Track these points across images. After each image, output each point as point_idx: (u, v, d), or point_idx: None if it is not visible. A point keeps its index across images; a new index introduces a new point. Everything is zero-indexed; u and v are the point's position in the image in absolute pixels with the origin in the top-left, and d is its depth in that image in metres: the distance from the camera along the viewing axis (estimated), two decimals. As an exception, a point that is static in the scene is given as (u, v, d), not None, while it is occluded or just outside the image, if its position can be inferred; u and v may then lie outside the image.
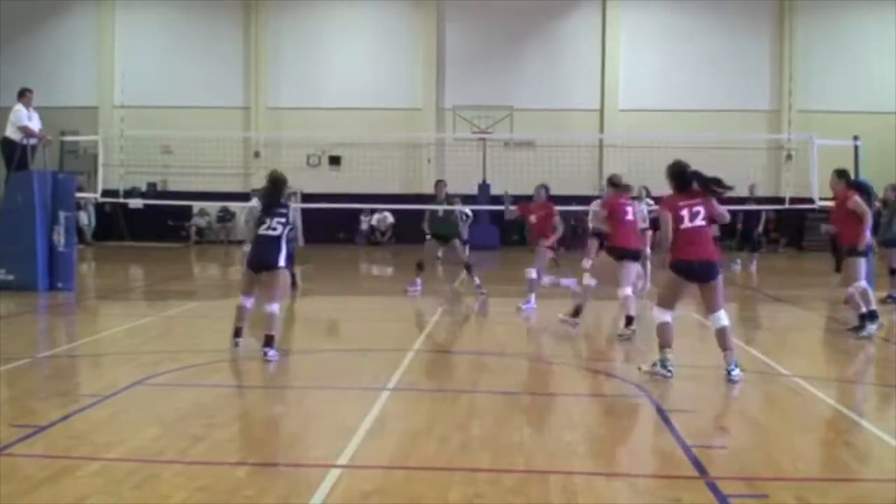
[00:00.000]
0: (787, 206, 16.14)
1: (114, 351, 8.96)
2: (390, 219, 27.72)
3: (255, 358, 8.21)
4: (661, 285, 8.46)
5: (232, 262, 20.88)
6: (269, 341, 8.21)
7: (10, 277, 13.56)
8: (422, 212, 14.47)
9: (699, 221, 7.41)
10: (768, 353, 9.15)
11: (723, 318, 7.49)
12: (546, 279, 12.12)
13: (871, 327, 10.00)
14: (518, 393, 7.25)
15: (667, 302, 7.63)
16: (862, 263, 10.14)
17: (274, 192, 8.72)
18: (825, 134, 15.39)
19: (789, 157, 26.84)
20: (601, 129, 27.90)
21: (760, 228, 20.49)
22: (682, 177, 7.57)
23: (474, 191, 25.20)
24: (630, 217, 10.39)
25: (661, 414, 6.24)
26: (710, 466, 5.02)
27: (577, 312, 10.35)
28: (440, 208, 13.82)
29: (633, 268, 10.46)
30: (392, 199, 24.05)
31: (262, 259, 8.52)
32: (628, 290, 10.07)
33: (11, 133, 14.22)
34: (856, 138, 13.69)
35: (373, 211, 27.57)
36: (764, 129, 27.43)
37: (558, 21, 28.90)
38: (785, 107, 28.11)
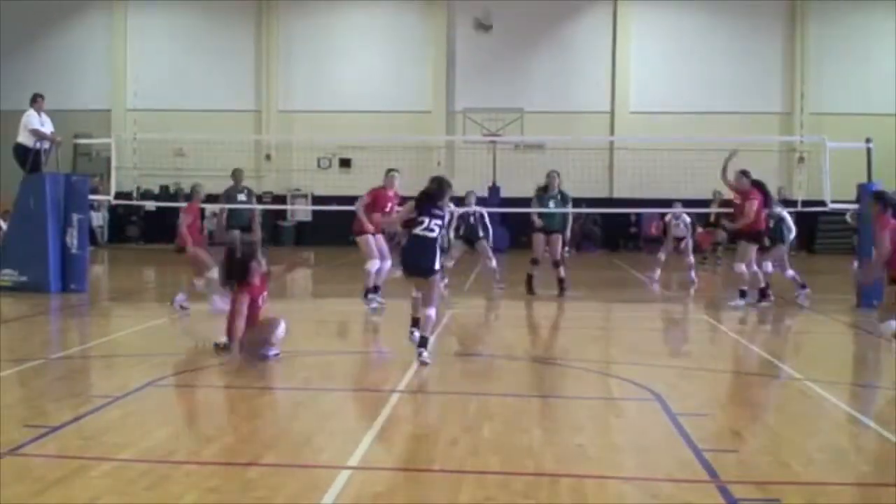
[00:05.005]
0: (799, 208, 16.05)
1: (126, 352, 8.99)
2: (401, 221, 27.73)
3: (267, 360, 8.23)
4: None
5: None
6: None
7: (24, 279, 13.65)
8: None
9: None
10: (779, 356, 9.11)
11: None
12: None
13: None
14: (528, 396, 7.25)
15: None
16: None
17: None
18: (837, 136, 15.33)
19: (801, 159, 26.75)
20: (612, 132, 27.87)
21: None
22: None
23: (484, 193, 25.20)
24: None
25: (673, 417, 6.22)
26: (721, 470, 5.01)
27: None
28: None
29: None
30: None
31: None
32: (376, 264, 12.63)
33: (24, 138, 14.34)
34: (868, 140, 13.62)
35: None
36: (776, 132, 27.33)
37: (569, 23, 28.89)
38: (797, 109, 28.03)
